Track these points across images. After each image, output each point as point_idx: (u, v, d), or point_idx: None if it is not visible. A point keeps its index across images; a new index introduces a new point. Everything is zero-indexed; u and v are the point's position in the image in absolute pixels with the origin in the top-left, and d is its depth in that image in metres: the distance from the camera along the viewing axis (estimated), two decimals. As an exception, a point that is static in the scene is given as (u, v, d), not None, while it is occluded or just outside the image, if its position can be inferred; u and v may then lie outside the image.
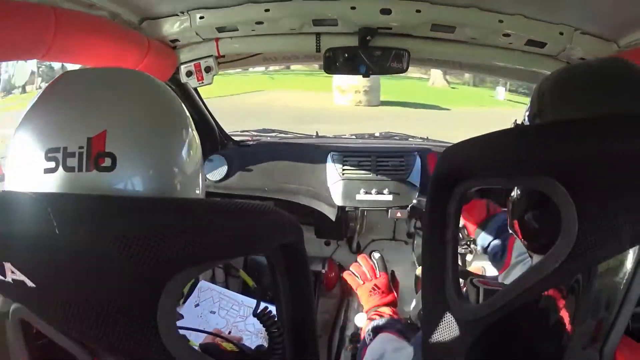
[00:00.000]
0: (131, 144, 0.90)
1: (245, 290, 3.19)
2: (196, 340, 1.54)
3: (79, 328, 0.79)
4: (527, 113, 1.11)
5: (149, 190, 0.92)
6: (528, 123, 1.10)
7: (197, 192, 1.06)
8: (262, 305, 0.99)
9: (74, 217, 0.78)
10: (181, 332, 1.04)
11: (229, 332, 2.30)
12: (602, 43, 2.01)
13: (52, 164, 0.86)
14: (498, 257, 1.92)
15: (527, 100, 1.15)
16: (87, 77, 1.00)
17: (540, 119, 1.07)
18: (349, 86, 20.98)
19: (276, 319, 0.99)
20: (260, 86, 21.50)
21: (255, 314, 0.98)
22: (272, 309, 1.00)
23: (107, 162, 0.86)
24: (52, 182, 0.86)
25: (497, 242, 1.95)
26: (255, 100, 19.05)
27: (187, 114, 1.06)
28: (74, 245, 0.76)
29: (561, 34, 2.03)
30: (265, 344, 1.12)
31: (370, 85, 20.75)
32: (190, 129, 1.04)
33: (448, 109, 22.10)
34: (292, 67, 20.30)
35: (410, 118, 17.08)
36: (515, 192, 1.14)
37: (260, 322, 0.98)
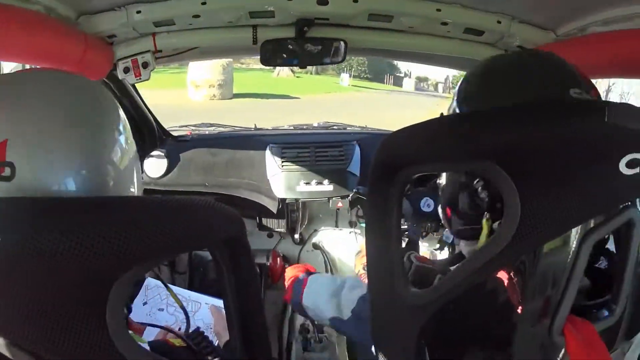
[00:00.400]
0: (36, 151, 0.89)
1: (191, 288, 3.17)
2: (147, 337, 1.53)
3: (26, 336, 0.77)
4: (454, 102, 1.14)
5: (79, 190, 0.92)
6: (456, 111, 1.13)
7: (132, 189, 1.06)
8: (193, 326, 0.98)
9: (12, 220, 0.78)
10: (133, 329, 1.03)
11: (179, 329, 2.28)
12: (540, 32, 2.06)
13: None
14: None
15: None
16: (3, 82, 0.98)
17: (466, 107, 1.10)
18: (203, 81, 21.35)
19: (206, 340, 0.99)
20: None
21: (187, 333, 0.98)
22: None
23: (7, 171, 0.86)
24: None
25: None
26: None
27: (118, 111, 1.05)
28: (15, 249, 0.75)
29: (499, 22, 2.06)
30: (215, 340, 1.12)
31: (224, 79, 21.30)
32: (119, 126, 1.03)
33: (298, 97, 23.24)
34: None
35: (264, 108, 17.87)
36: (444, 179, 1.18)
37: (192, 343, 0.98)
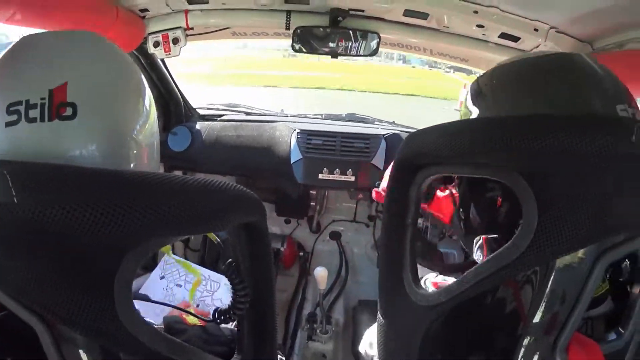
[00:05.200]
0: (92, 96, 0.90)
1: (202, 263, 3.18)
2: (162, 313, 1.53)
3: (34, 298, 0.78)
4: (468, 98, 1.11)
5: (105, 154, 0.91)
6: (472, 107, 1.10)
7: (153, 164, 1.06)
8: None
9: (34, 186, 0.77)
10: (147, 305, 1.03)
11: (197, 306, 2.29)
12: (577, 43, 2.01)
13: (14, 117, 0.85)
14: None
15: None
16: (47, 38, 0.98)
17: (484, 107, 1.07)
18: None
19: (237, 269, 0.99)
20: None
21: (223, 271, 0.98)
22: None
23: (69, 111, 0.87)
24: (13, 135, 0.86)
25: None
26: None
27: (146, 86, 1.05)
28: (33, 214, 0.75)
29: (536, 30, 2.02)
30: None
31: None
32: (148, 101, 1.03)
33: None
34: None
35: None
36: (463, 183, 1.16)
37: (224, 274, 0.98)
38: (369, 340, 1.52)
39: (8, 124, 0.85)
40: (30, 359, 0.84)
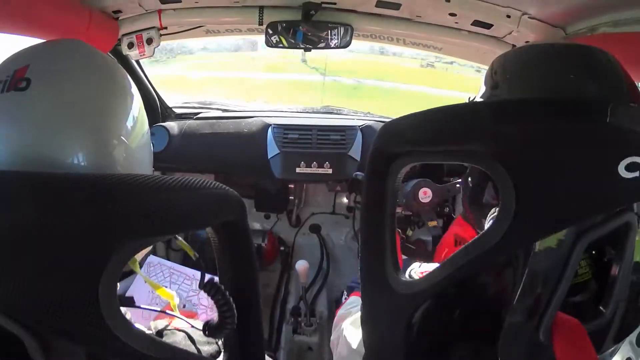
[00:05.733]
0: (49, 75, 0.95)
1: (185, 263, 3.18)
2: (149, 316, 1.53)
3: (20, 309, 0.77)
4: (482, 90, 1.12)
5: (89, 162, 0.93)
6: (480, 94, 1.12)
7: (144, 169, 1.08)
8: (207, 276, 0.99)
9: (12, 193, 0.77)
10: (133, 310, 1.03)
11: (184, 306, 2.28)
12: (549, 29, 2.02)
13: None
14: None
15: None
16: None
17: (495, 96, 1.08)
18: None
19: (222, 288, 0.98)
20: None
21: (200, 286, 0.98)
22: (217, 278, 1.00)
23: (23, 84, 0.91)
24: None
25: None
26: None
27: (132, 88, 1.06)
28: (12, 221, 0.75)
29: (508, 16, 2.04)
30: None
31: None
32: (132, 100, 1.05)
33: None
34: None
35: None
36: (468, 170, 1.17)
37: (207, 293, 0.98)
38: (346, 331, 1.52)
39: None
40: None
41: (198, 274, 1.92)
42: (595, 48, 1.04)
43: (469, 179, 1.21)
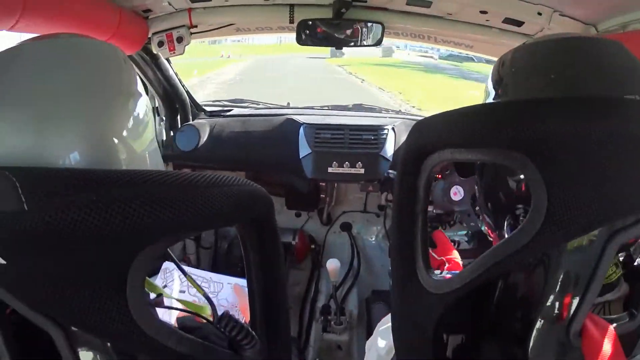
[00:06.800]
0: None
1: (215, 263, 3.19)
2: (171, 317, 1.53)
3: (49, 303, 0.78)
4: (490, 82, 1.11)
5: (84, 161, 0.89)
6: (491, 89, 1.11)
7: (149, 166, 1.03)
8: (219, 308, 0.98)
9: (43, 192, 0.77)
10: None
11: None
12: (581, 26, 1.99)
13: None
14: None
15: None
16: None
17: (503, 90, 1.07)
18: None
19: (237, 323, 0.98)
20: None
21: (214, 323, 0.97)
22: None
23: None
24: None
25: None
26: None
27: (137, 87, 1.02)
28: (44, 220, 0.74)
29: (539, 14, 2.01)
30: (241, 318, 1.12)
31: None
32: (136, 103, 1.00)
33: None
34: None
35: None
36: (486, 167, 1.15)
37: (222, 330, 0.97)
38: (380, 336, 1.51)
39: None
40: None
41: (215, 275, 1.90)
42: (603, 39, 1.04)
43: (483, 179, 1.19)
